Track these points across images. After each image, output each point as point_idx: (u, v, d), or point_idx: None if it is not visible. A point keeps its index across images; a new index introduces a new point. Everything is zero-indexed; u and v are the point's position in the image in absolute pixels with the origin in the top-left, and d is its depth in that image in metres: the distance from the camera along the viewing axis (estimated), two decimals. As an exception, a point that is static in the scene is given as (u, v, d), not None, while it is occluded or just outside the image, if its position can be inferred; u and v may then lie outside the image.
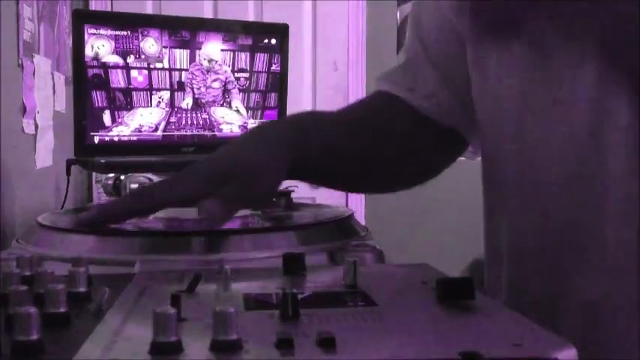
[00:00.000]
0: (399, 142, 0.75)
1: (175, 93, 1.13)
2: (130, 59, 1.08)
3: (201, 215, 0.61)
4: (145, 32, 1.09)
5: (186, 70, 1.13)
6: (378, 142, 0.74)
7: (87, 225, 0.69)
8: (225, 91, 1.17)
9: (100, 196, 1.70)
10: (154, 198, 0.65)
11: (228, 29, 1.17)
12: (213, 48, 1.14)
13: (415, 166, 0.78)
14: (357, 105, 0.80)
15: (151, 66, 1.10)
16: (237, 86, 1.18)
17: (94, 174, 2.05)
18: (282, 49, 1.20)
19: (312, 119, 0.76)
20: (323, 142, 0.70)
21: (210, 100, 1.16)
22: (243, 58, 1.17)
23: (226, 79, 1.16)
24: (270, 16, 2.49)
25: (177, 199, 0.66)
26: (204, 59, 1.13)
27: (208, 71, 1.14)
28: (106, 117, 1.07)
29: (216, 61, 1.15)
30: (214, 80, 1.15)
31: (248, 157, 0.65)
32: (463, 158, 0.81)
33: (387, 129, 0.75)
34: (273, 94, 1.21)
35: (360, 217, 2.51)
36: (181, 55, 1.12)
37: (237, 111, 1.18)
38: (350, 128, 0.74)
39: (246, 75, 1.18)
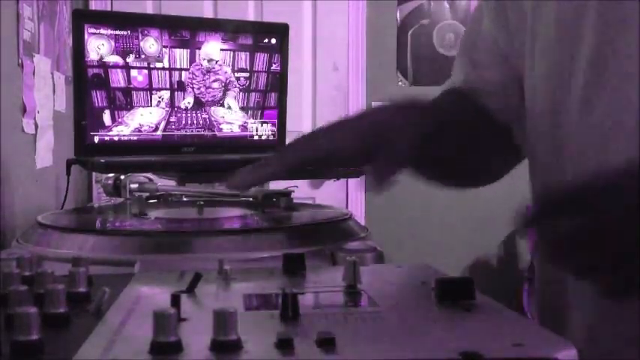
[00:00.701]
0: (471, 137, 0.74)
1: (175, 93, 1.13)
2: (130, 59, 1.08)
3: (371, 178, 0.57)
4: (145, 32, 1.09)
5: (187, 69, 1.13)
6: (471, 138, 0.74)
7: (238, 184, 0.62)
8: (226, 91, 1.17)
9: (100, 196, 1.70)
10: (300, 151, 0.60)
11: (228, 29, 1.16)
12: (213, 48, 1.14)
13: (481, 164, 0.77)
14: (437, 101, 0.79)
15: (151, 66, 1.10)
16: (238, 86, 1.18)
17: (94, 174, 2.05)
18: (282, 49, 1.20)
19: (424, 106, 0.74)
20: (446, 133, 0.67)
21: (210, 100, 1.16)
22: (243, 58, 1.17)
23: (227, 79, 1.16)
24: (270, 16, 2.48)
25: (330, 152, 0.61)
26: (204, 59, 1.13)
27: (208, 71, 1.14)
28: (106, 117, 1.07)
29: (217, 62, 1.15)
30: (214, 80, 1.15)
31: (399, 119, 0.63)
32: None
33: (471, 124, 0.74)
34: (273, 94, 1.21)
35: (360, 217, 2.51)
36: (181, 55, 1.12)
37: (237, 111, 1.18)
38: (455, 121, 0.72)
39: (246, 75, 1.18)
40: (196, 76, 1.13)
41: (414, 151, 0.61)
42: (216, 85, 1.15)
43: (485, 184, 0.79)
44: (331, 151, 0.60)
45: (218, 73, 1.15)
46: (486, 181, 0.79)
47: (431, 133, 0.64)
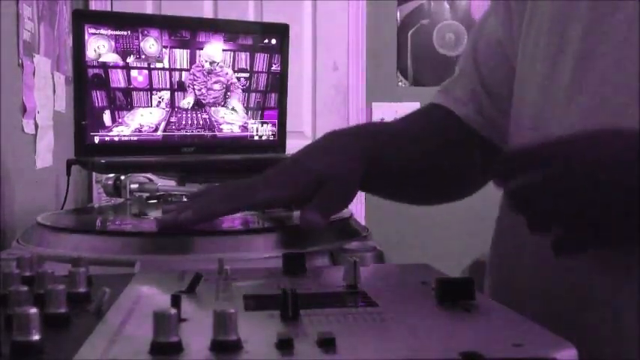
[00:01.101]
0: (450, 153, 0.76)
1: (175, 93, 1.13)
2: (130, 59, 1.08)
3: (302, 224, 0.66)
4: (145, 32, 1.09)
5: (187, 70, 1.13)
6: (433, 154, 0.76)
7: (173, 228, 0.69)
8: (228, 93, 1.17)
9: (100, 197, 1.70)
10: (243, 199, 0.69)
11: (228, 29, 1.17)
12: (214, 49, 1.14)
13: (461, 179, 0.79)
14: (413, 117, 0.81)
15: (151, 66, 1.10)
16: (240, 87, 1.18)
17: (94, 174, 2.05)
18: (282, 49, 1.20)
19: (376, 130, 0.78)
20: (391, 155, 0.72)
21: (211, 101, 1.16)
22: (243, 58, 1.17)
23: (228, 81, 1.16)
24: (270, 16, 2.48)
25: (268, 203, 0.70)
26: (206, 61, 1.13)
27: (209, 73, 1.14)
28: (106, 117, 1.07)
29: (218, 63, 1.15)
30: (215, 82, 1.15)
31: (336, 167, 0.68)
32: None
33: (439, 140, 0.77)
34: (273, 94, 1.21)
35: (360, 217, 2.51)
36: (181, 55, 1.12)
37: (237, 112, 1.18)
38: (409, 140, 0.76)
39: (246, 75, 1.18)
40: (197, 77, 1.13)
41: (351, 195, 0.68)
42: (217, 86, 1.15)
43: (463, 198, 0.81)
44: (269, 202, 0.70)
45: (219, 75, 1.15)
46: (463, 195, 0.81)
47: (378, 164, 0.69)
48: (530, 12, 0.66)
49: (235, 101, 1.18)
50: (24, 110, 1.36)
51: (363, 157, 0.69)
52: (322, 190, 0.66)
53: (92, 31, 1.05)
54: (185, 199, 1.14)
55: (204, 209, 0.69)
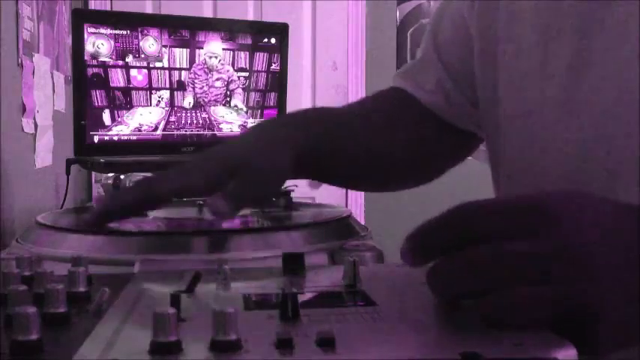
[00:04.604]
0: (406, 137, 0.76)
1: (175, 92, 1.13)
2: (130, 58, 1.08)
3: (209, 211, 0.62)
4: (145, 31, 1.09)
5: (187, 69, 1.13)
6: (385, 137, 0.75)
7: (90, 226, 0.69)
8: (228, 90, 1.17)
9: (100, 196, 1.70)
10: (155, 189, 0.65)
11: (227, 29, 1.16)
12: (215, 46, 1.14)
13: (420, 163, 0.79)
14: (367, 100, 0.81)
15: (151, 65, 1.10)
16: (240, 85, 1.18)
17: (93, 173, 2.05)
18: (281, 49, 1.20)
19: (315, 116, 0.76)
20: (326, 139, 0.70)
21: (212, 99, 1.15)
22: (243, 58, 1.17)
23: (229, 78, 1.16)
24: (269, 16, 2.48)
25: (180, 191, 0.66)
26: (210, 57, 1.13)
27: (211, 70, 1.14)
28: (106, 116, 1.07)
29: (219, 60, 1.15)
30: (217, 79, 1.15)
31: (253, 154, 0.65)
32: (469, 158, 0.81)
33: (394, 123, 0.76)
34: (272, 94, 1.21)
35: (360, 217, 2.50)
36: (181, 55, 1.12)
37: (237, 110, 1.18)
38: (358, 123, 0.75)
39: (246, 74, 1.18)
40: (199, 75, 1.13)
41: (272, 184, 0.66)
42: (218, 84, 1.15)
43: (425, 183, 0.80)
44: (180, 190, 0.66)
45: (221, 72, 1.15)
46: (426, 180, 0.80)
47: (320, 150, 0.68)
48: (507, 13, 0.64)
49: (237, 99, 1.18)
50: (23, 110, 1.36)
51: (292, 145, 0.66)
52: (236, 178, 0.63)
53: (92, 30, 1.05)
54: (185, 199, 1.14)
55: (114, 200, 0.69)
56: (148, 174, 1.11)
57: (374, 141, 0.74)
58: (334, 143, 0.71)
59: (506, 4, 0.64)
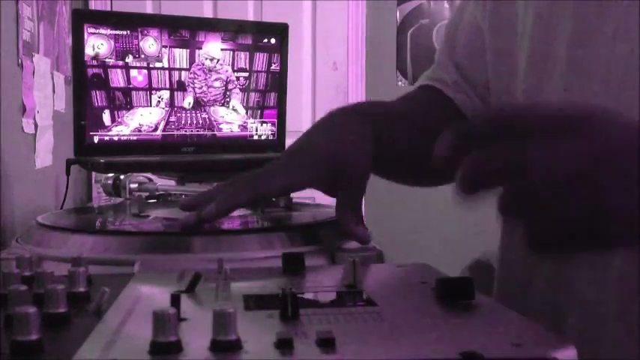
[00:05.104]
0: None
1: (175, 92, 1.13)
2: (130, 59, 1.08)
3: (348, 237, 0.66)
4: (145, 32, 1.09)
5: (186, 69, 1.13)
6: (426, 133, 0.75)
7: (196, 226, 0.69)
8: (226, 91, 1.17)
9: (99, 196, 1.69)
10: (261, 187, 0.67)
11: (227, 29, 1.16)
12: (214, 47, 1.14)
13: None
14: (404, 98, 0.81)
15: (151, 65, 1.10)
16: (238, 85, 1.18)
17: (93, 174, 2.05)
18: (281, 49, 1.20)
19: (380, 111, 0.76)
20: (392, 136, 0.71)
21: (212, 99, 1.15)
22: (243, 58, 1.17)
23: (227, 78, 1.16)
24: (269, 16, 2.49)
25: (285, 188, 0.69)
26: (206, 58, 1.13)
27: (210, 70, 1.14)
28: (106, 117, 1.07)
29: (218, 60, 1.15)
30: (216, 80, 1.15)
31: (348, 145, 0.66)
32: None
33: (431, 120, 0.76)
34: (272, 94, 1.21)
35: (360, 217, 2.50)
36: (181, 55, 1.12)
37: (237, 110, 1.18)
38: (404, 120, 0.75)
39: (246, 74, 1.18)
40: (198, 75, 1.13)
41: (367, 177, 0.68)
42: (217, 84, 1.15)
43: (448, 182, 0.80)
44: (286, 188, 0.69)
45: (219, 72, 1.15)
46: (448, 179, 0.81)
47: (382, 144, 0.69)
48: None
49: (235, 99, 1.18)
50: (23, 110, 1.36)
51: (374, 137, 0.68)
52: (342, 180, 0.65)
53: (92, 30, 1.05)
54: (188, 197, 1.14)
55: (227, 201, 0.68)
56: (148, 174, 1.11)
57: (421, 138, 0.75)
58: (397, 136, 0.72)
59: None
